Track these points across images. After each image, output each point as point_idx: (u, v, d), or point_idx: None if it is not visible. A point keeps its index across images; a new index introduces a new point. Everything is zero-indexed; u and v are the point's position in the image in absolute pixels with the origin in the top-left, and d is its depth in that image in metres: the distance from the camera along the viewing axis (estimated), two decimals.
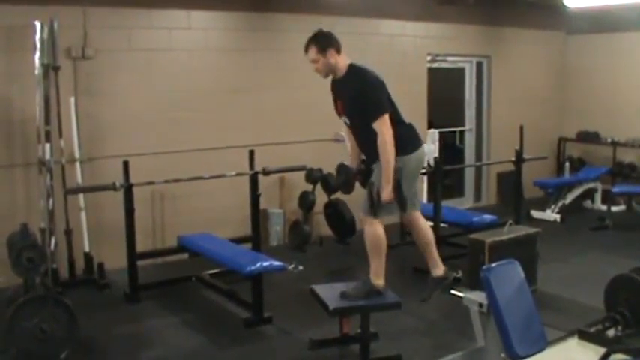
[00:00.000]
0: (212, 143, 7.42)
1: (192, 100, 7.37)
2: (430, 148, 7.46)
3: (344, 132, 5.89)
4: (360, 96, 4.64)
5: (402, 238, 7.32)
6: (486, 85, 10.20)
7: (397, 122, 4.70)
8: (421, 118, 9.02)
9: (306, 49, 4.74)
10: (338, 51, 4.72)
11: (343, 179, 5.14)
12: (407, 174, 4.73)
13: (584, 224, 8.81)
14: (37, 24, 6.09)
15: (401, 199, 4.69)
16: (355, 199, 7.77)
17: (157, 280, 6.40)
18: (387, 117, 4.58)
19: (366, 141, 4.74)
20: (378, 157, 4.64)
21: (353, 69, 4.73)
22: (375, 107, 4.59)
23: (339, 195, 7.79)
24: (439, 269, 5.03)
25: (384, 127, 4.55)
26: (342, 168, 5.33)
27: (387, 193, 4.60)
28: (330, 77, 4.87)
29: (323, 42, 4.70)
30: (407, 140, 4.76)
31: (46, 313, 4.55)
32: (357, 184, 5.11)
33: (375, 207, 4.64)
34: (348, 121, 4.87)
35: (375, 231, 4.72)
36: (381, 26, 8.79)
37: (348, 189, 5.20)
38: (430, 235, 5.04)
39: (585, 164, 10.48)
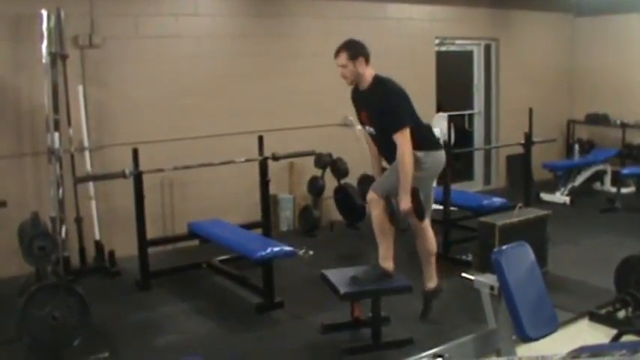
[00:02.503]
0: (221, 129, 7.41)
1: (200, 87, 7.35)
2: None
3: (358, 131, 5.90)
4: (384, 107, 4.71)
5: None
6: (495, 68, 10.16)
7: (417, 126, 4.77)
8: (430, 102, 9.01)
9: (337, 54, 4.79)
10: (367, 61, 4.79)
11: (390, 212, 4.80)
12: (424, 177, 4.85)
13: (594, 206, 8.79)
14: (44, 13, 6.09)
15: (419, 208, 4.73)
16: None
17: (168, 267, 6.42)
18: (407, 130, 4.64)
19: (389, 149, 4.79)
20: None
21: (378, 80, 4.80)
22: (397, 119, 4.66)
23: (348, 179, 7.82)
24: (433, 282, 5.14)
25: (403, 139, 4.62)
26: (389, 201, 4.82)
27: (405, 203, 4.65)
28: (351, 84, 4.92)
29: (354, 49, 4.76)
30: (429, 139, 4.91)
31: (58, 302, 4.56)
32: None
33: (397, 216, 4.71)
34: (373, 131, 4.93)
35: (380, 215, 4.79)
36: (389, 10, 8.74)
37: (397, 223, 4.84)
38: (435, 246, 5.14)
39: (595, 146, 10.45)
